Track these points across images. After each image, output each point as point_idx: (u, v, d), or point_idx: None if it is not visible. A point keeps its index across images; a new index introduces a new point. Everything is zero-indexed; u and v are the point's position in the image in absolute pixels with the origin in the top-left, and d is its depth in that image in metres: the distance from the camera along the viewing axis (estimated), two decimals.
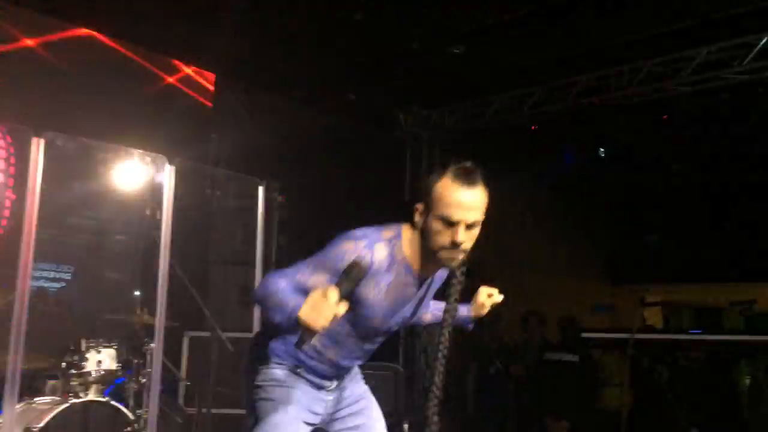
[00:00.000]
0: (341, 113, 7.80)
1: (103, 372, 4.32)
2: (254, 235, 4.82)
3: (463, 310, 2.55)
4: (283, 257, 5.99)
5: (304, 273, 2.08)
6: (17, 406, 3.83)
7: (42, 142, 3.62)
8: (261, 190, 4.82)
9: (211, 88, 6.88)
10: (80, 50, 5.89)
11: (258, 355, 2.30)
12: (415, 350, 7.94)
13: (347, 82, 7.26)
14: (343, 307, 1.87)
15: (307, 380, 2.30)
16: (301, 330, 1.87)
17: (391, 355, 7.48)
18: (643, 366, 6.00)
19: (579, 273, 11.00)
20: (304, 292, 1.97)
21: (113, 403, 4.20)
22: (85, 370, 4.25)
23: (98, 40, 6.05)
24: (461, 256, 2.08)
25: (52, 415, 3.89)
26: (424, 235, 2.10)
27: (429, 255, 2.12)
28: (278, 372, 2.26)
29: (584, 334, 5.42)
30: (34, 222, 3.59)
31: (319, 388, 2.34)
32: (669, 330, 5.76)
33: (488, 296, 2.58)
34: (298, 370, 2.28)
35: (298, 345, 1.92)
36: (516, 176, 9.71)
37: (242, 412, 4.88)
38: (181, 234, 4.58)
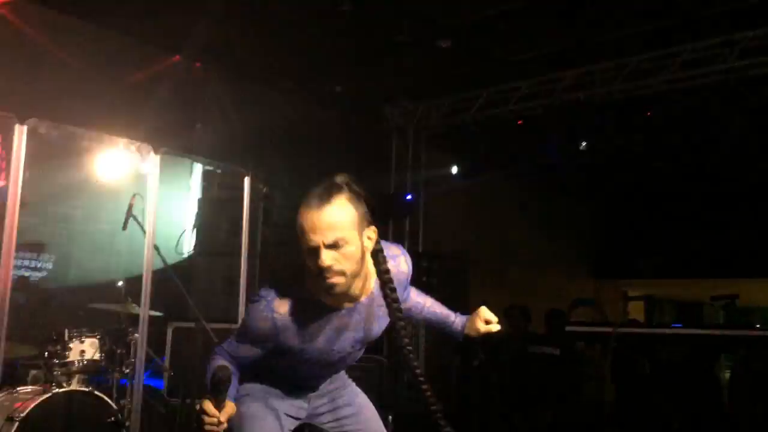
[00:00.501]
0: (327, 105, 7.78)
1: (86, 362, 4.29)
2: (239, 225, 4.81)
3: (458, 323, 2.60)
4: (268, 248, 5.98)
5: (232, 346, 2.15)
6: None
7: (25, 128, 3.57)
8: (246, 180, 4.80)
9: (197, 77, 6.84)
10: (66, 37, 5.83)
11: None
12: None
13: (334, 74, 7.24)
14: (230, 410, 1.99)
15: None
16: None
17: (375, 347, 7.50)
18: (625, 360, 6.06)
19: (562, 267, 11.09)
20: (239, 362, 2.14)
21: (96, 392, 4.17)
22: (68, 360, 4.22)
23: (86, 27, 5.98)
24: (339, 280, 1.98)
25: (34, 404, 3.85)
26: None
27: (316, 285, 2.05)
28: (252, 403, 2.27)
29: (568, 328, 5.45)
30: (17, 210, 3.54)
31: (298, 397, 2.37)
32: (651, 324, 5.82)
33: (486, 323, 2.56)
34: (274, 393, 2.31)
35: None
36: (500, 170, 9.74)
37: None
38: (166, 224, 4.56)
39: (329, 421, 2.40)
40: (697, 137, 8.45)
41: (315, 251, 1.95)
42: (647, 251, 10.64)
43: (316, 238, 1.94)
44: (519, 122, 8.33)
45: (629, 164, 9.52)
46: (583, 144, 8.34)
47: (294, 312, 2.06)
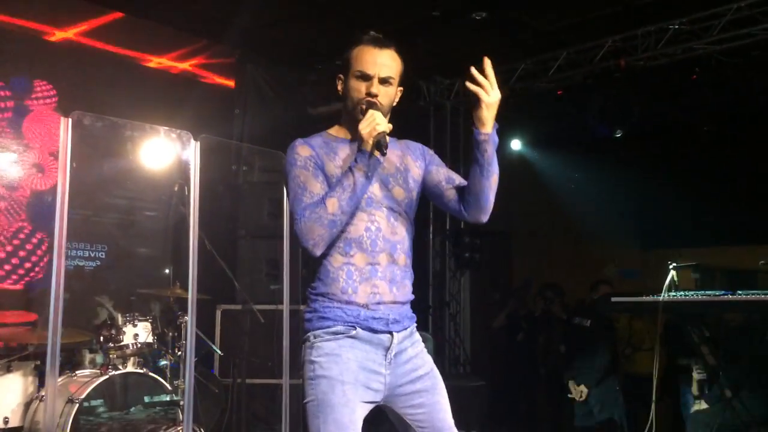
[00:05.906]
0: None
1: (139, 345, 4.46)
2: (281, 208, 4.87)
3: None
4: None
5: (306, 194, 2.25)
6: (59, 379, 3.97)
7: (69, 121, 3.65)
8: None
9: (234, 64, 6.92)
10: (106, 31, 5.96)
11: (311, 325, 2.27)
12: (444, 319, 8.00)
13: None
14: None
15: (365, 342, 2.25)
16: (373, 142, 2.18)
17: (421, 324, 7.56)
18: (674, 330, 5.98)
19: (608, 238, 10.89)
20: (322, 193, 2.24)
21: (151, 374, 4.33)
22: (122, 344, 4.40)
23: (121, 19, 6.10)
24: (379, 108, 2.28)
25: (92, 386, 4.03)
26: (347, 102, 2.35)
27: (354, 119, 2.31)
28: (332, 345, 2.21)
29: (613, 299, 5.38)
30: (66, 201, 3.65)
31: (378, 348, 2.26)
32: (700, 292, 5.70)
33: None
34: (353, 333, 2.23)
35: (381, 149, 2.17)
36: (542, 142, 9.61)
37: (275, 381, 4.98)
38: (210, 209, 4.64)
39: (403, 407, 2.30)
40: (745, 100, 8.19)
41: (369, 80, 2.30)
42: (695, 219, 10.38)
43: (375, 70, 2.30)
44: (559, 92, 8.20)
45: (674, 130, 9.28)
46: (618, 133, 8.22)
47: (320, 142, 2.35)
